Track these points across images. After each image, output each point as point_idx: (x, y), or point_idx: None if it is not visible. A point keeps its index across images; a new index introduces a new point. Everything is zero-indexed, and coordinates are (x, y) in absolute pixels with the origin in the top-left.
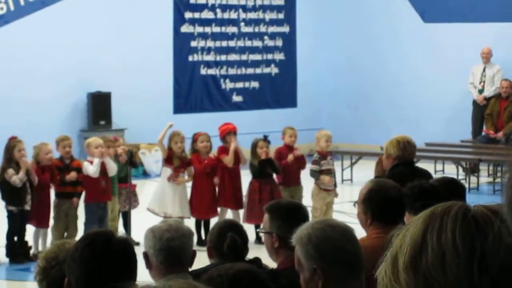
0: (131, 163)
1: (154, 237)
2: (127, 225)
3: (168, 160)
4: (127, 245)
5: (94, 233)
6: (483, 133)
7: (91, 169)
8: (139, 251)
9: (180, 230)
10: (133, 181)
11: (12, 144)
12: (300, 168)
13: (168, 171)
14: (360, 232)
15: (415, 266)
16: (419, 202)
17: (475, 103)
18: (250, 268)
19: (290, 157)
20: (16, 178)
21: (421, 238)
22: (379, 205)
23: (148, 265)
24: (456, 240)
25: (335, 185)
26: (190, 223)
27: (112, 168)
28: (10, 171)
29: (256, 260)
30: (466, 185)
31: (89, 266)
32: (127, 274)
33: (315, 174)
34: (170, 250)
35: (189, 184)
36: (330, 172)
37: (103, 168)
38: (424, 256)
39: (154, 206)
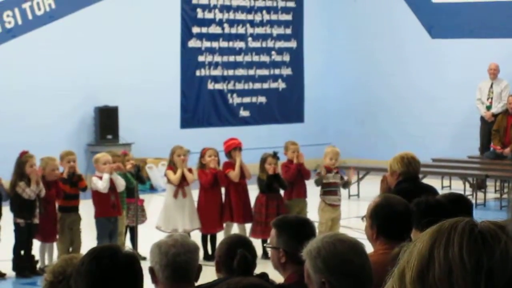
0: (138, 178)
1: (160, 252)
2: (134, 240)
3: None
4: (133, 259)
5: (100, 247)
6: (491, 149)
7: (100, 184)
8: (145, 265)
9: (186, 245)
10: (140, 196)
11: (24, 160)
12: (304, 179)
13: (172, 188)
14: (369, 248)
15: (423, 281)
16: (426, 218)
17: (482, 119)
18: (260, 283)
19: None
20: (29, 190)
21: (428, 253)
22: (385, 220)
23: (154, 280)
24: (463, 255)
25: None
26: (196, 237)
27: (120, 184)
28: (22, 184)
29: (263, 275)
30: (473, 201)
31: (95, 280)
32: None
33: (317, 181)
34: (176, 265)
35: (195, 198)
36: (336, 186)
37: (112, 183)
38: (431, 271)
39: (161, 223)
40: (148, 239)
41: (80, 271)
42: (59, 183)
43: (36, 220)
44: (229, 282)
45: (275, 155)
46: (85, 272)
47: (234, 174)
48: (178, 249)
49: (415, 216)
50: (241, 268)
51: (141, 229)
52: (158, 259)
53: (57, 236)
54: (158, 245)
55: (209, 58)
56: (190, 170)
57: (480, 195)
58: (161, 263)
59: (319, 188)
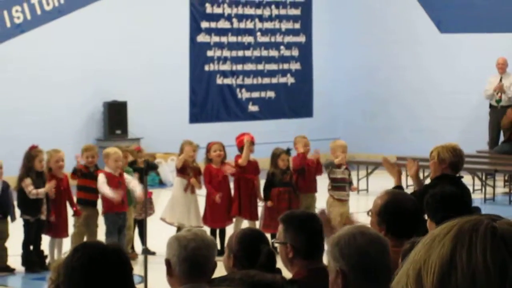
0: (148, 168)
1: (179, 245)
2: (142, 234)
3: (182, 170)
4: (121, 254)
5: (84, 245)
6: (501, 139)
7: (108, 192)
8: (153, 260)
9: (205, 240)
10: (149, 190)
11: (34, 154)
12: (317, 174)
13: (181, 181)
14: None
15: (444, 286)
16: (441, 209)
17: (491, 112)
18: (272, 279)
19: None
20: (32, 190)
21: (449, 257)
22: (395, 218)
23: (169, 272)
24: (487, 261)
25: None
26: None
27: (138, 192)
28: (28, 180)
29: (278, 271)
30: (482, 196)
31: (83, 280)
32: (122, 284)
33: (329, 165)
34: (196, 259)
35: (200, 193)
36: (345, 182)
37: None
38: (453, 276)
39: (166, 215)
40: (157, 234)
41: (67, 270)
42: (72, 175)
43: (43, 217)
44: (242, 274)
45: (288, 151)
46: (72, 271)
47: (241, 159)
48: (198, 244)
49: (431, 208)
50: (267, 264)
51: (149, 223)
52: (177, 252)
53: (72, 230)
54: (177, 238)
55: (218, 53)
56: (198, 173)
57: (489, 189)
58: (180, 256)
59: (327, 183)
